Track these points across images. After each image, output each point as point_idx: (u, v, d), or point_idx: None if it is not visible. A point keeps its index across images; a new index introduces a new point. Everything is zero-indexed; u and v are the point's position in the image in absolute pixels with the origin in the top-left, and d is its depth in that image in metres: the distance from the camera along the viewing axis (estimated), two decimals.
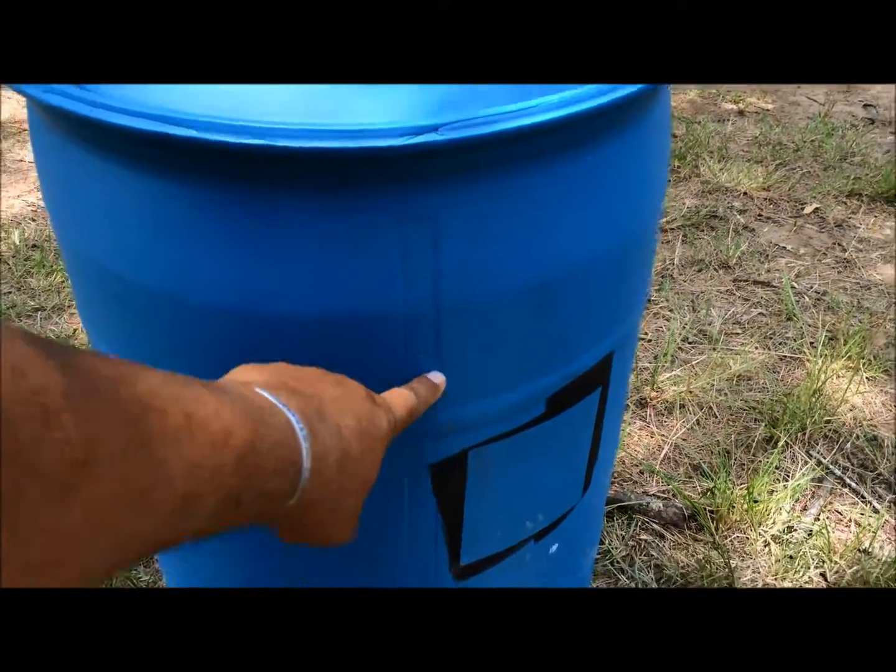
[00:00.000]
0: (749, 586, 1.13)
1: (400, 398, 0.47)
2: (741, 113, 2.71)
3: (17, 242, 1.84)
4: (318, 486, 0.37)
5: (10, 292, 1.70)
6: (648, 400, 1.46)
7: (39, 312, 1.64)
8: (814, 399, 1.43)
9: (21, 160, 2.24)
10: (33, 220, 1.96)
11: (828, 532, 1.20)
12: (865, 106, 2.77)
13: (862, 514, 1.25)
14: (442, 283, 0.48)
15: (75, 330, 1.59)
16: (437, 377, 0.51)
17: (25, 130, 2.34)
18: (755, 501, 1.23)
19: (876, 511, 1.25)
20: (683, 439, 1.38)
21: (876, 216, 2.10)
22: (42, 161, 0.54)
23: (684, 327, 1.66)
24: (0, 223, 1.92)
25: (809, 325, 1.68)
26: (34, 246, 1.85)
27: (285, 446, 0.34)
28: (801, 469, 1.32)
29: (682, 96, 2.80)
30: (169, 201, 0.46)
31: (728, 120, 2.63)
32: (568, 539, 0.73)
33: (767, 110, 2.72)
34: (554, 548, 0.71)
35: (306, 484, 0.36)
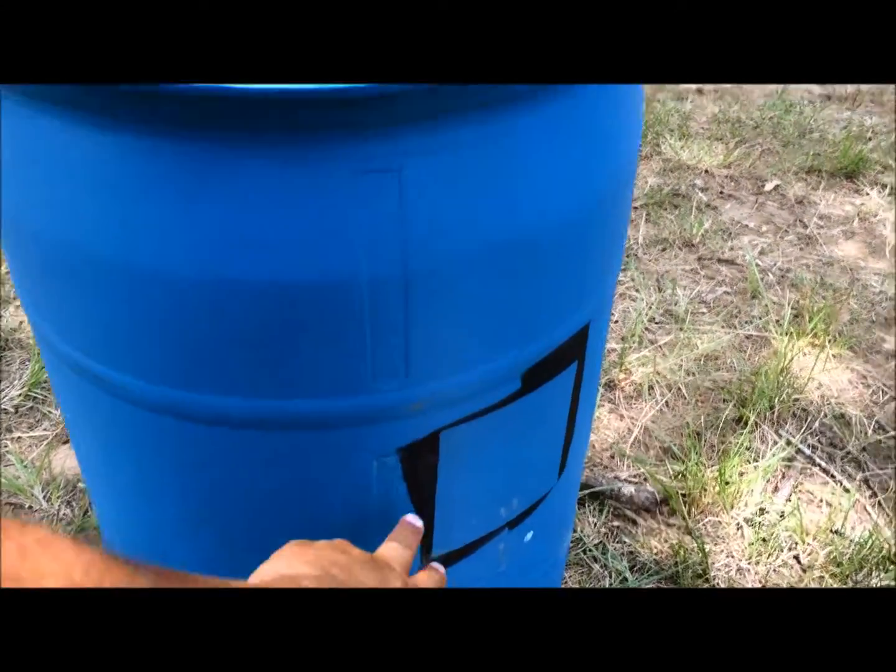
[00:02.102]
0: (723, 571, 1.10)
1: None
2: (699, 91, 2.69)
3: None
4: None
5: None
6: (617, 382, 1.42)
7: None
8: (781, 377, 1.41)
9: None
10: None
11: (800, 513, 1.17)
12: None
13: (833, 493, 1.23)
14: (410, 244, 0.42)
15: (21, 322, 1.50)
16: (417, 521, 0.53)
17: None
18: (727, 483, 1.20)
19: (847, 490, 1.23)
20: (653, 421, 1.34)
21: (836, 192, 2.10)
22: None
23: (650, 307, 1.62)
24: None
25: (774, 303, 1.66)
26: None
27: None
28: (770, 449, 1.29)
29: None
30: (118, 156, 0.41)
31: (687, 98, 2.61)
32: (543, 526, 0.68)
33: (725, 88, 2.71)
34: (529, 535, 0.66)
35: None
